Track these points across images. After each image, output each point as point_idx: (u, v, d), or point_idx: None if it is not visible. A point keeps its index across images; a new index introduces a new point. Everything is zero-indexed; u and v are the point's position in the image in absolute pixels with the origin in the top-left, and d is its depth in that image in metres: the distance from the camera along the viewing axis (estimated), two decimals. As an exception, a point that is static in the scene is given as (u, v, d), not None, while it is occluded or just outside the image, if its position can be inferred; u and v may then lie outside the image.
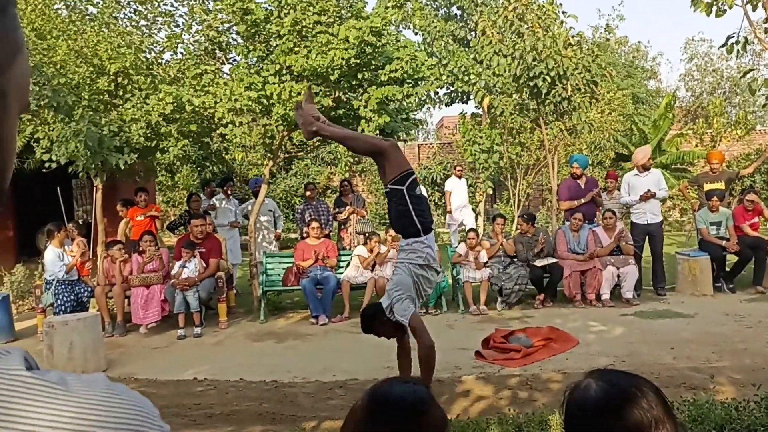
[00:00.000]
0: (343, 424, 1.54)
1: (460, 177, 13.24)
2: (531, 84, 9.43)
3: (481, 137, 12.30)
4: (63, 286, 8.12)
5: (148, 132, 8.47)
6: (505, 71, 9.57)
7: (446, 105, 13.70)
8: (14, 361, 0.59)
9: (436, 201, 20.40)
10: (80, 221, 10.08)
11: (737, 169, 13.94)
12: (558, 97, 9.33)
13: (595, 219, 9.43)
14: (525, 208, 14.81)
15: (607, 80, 10.04)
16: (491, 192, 16.83)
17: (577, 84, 9.25)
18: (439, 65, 9.75)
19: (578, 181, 9.49)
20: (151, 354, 7.11)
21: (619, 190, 9.80)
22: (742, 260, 9.30)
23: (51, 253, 8.29)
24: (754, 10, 6.36)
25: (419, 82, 9.16)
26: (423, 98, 13.27)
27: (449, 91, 12.94)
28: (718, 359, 5.91)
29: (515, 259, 9.00)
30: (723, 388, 4.93)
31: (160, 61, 9.42)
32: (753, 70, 11.32)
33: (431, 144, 22.31)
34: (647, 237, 9.27)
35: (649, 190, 9.08)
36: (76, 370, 6.21)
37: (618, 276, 8.81)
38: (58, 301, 8.01)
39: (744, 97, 25.89)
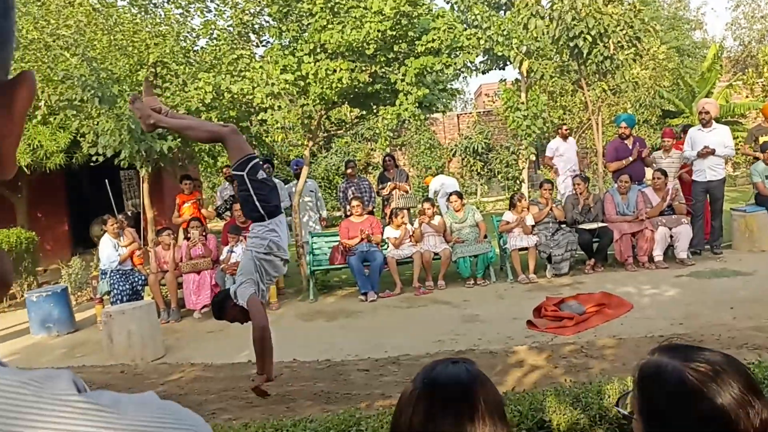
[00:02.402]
0: (396, 409, 1.52)
1: (566, 138, 11.11)
2: (571, 45, 9.17)
3: (522, 103, 12.06)
4: (118, 276, 8.32)
5: (188, 120, 8.55)
6: (543, 33, 9.32)
7: (482, 73, 13.41)
8: (64, 385, 0.57)
9: (479, 171, 20.20)
10: (128, 213, 10.28)
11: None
12: (600, 57, 9.06)
13: (644, 179, 9.19)
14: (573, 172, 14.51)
15: (650, 35, 9.68)
16: (534, 158, 16.56)
17: (619, 41, 8.95)
18: (479, 30, 9.54)
19: (625, 142, 9.25)
20: (206, 338, 7.25)
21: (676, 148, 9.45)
22: (801, 213, 8.95)
23: (105, 244, 8.50)
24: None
25: (457, 52, 9.00)
26: (460, 69, 13.09)
27: (485, 58, 12.67)
28: (781, 317, 5.73)
29: (563, 225, 8.85)
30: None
31: (195, 48, 9.47)
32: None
33: (470, 113, 22.02)
34: (708, 194, 8.97)
35: (706, 147, 8.74)
36: (135, 357, 6.38)
37: (671, 236, 8.59)
38: (114, 291, 8.22)
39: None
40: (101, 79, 8.20)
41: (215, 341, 7.06)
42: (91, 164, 9.07)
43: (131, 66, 8.74)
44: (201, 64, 9.26)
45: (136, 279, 8.44)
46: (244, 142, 4.82)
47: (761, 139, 9.47)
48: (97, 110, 8.34)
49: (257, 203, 4.59)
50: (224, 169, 11.71)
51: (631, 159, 9.09)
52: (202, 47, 9.51)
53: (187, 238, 8.59)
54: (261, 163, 4.78)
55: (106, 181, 9.91)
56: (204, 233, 8.72)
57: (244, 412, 4.39)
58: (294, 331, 7.25)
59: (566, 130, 11.28)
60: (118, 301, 8.02)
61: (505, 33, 9.68)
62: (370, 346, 6.15)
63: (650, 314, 6.36)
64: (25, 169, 10.09)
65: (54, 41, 8.34)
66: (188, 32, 9.37)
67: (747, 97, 17.91)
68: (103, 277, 8.40)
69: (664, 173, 8.80)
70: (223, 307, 4.85)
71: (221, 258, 8.38)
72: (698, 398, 1.27)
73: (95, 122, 8.48)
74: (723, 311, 6.13)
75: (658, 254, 8.52)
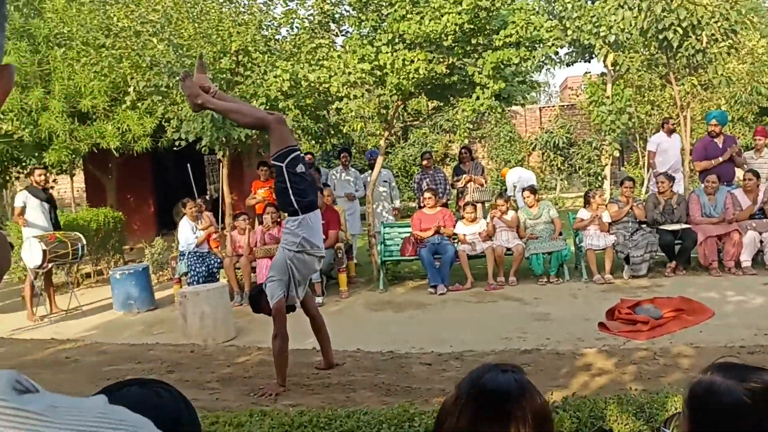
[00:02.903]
0: (440, 414, 1.48)
1: (670, 133, 10.15)
2: (660, 37, 8.77)
3: (607, 97, 11.66)
4: (195, 258, 8.59)
5: (267, 107, 8.71)
6: (630, 25, 8.95)
7: (567, 65, 13.08)
8: None
9: (559, 166, 19.72)
10: (207, 197, 10.60)
11: None
12: (691, 50, 8.62)
13: (734, 180, 8.72)
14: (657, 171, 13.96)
15: (748, 28, 9.14)
16: (618, 154, 16.01)
17: (713, 34, 8.50)
18: (566, 20, 9.26)
19: (715, 140, 8.79)
20: (276, 323, 7.37)
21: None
22: None
23: (184, 226, 8.80)
24: None
25: (537, 45, 8.78)
26: (542, 60, 12.78)
27: (571, 50, 12.31)
28: None
29: (643, 225, 8.52)
30: None
31: (277, 37, 9.63)
32: None
33: (553, 107, 21.50)
34: None
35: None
36: (207, 338, 6.57)
37: (761, 241, 8.11)
38: (191, 272, 8.50)
39: None
40: (186, 66, 8.46)
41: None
42: (174, 149, 9.38)
43: (215, 54, 8.97)
44: (281, 52, 9.41)
45: (212, 261, 8.68)
46: (288, 132, 4.83)
47: None
48: (182, 96, 8.61)
49: (292, 197, 4.60)
50: (306, 156, 11.90)
51: (721, 159, 8.64)
52: (282, 36, 9.66)
53: (262, 223, 8.77)
54: (302, 156, 4.79)
55: (188, 165, 10.25)
56: (278, 219, 8.88)
57: (304, 398, 4.44)
58: (361, 321, 7.29)
59: (672, 124, 10.38)
60: (195, 282, 8.28)
61: (594, 21, 9.34)
62: (436, 340, 6.11)
63: (732, 323, 6.03)
64: (114, 152, 10.55)
65: (142, 27, 8.65)
66: (270, 21, 9.52)
67: None
68: (182, 258, 8.70)
69: (756, 174, 8.32)
70: (257, 301, 4.93)
71: (294, 244, 8.51)
72: (752, 419, 1.18)
73: (179, 108, 8.77)
74: (814, 324, 5.74)
75: (745, 260, 8.07)
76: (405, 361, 5.33)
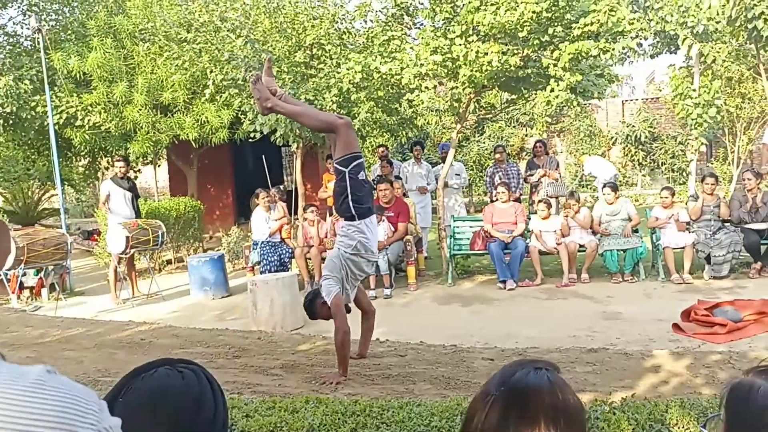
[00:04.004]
0: (469, 411, 1.46)
1: None
2: (750, 27, 8.31)
3: (694, 90, 11.16)
4: (267, 247, 8.80)
5: (340, 99, 8.81)
6: (717, 14, 8.52)
7: (651, 57, 12.56)
8: None
9: (640, 161, 19.06)
10: (281, 187, 10.82)
11: None
12: (783, 40, 8.14)
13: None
14: (745, 166, 13.30)
15: None
16: (704, 149, 15.32)
17: (808, 22, 7.99)
18: (650, 10, 8.91)
19: (808, 135, 8.29)
20: (344, 313, 7.47)
21: None
22: None
23: (257, 216, 9.04)
24: None
25: (618, 37, 8.48)
26: (625, 53, 12.32)
27: (656, 41, 11.86)
28: None
29: (726, 224, 8.12)
30: None
31: (350, 30, 9.72)
32: None
33: (636, 100, 20.77)
34: None
35: None
36: (276, 325, 6.73)
37: None
38: (264, 261, 8.72)
39: None
40: (262, 60, 8.65)
41: (351, 317, 7.21)
42: (250, 140, 9.62)
43: (290, 48, 9.15)
44: (354, 45, 9.49)
45: (284, 251, 8.87)
46: (354, 138, 4.84)
47: None
48: (258, 90, 8.83)
49: (350, 202, 4.64)
50: (378, 149, 11.97)
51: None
52: (356, 29, 9.73)
53: (332, 215, 8.89)
54: (363, 163, 4.81)
55: (263, 156, 10.50)
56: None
57: (364, 388, 4.48)
58: (427, 314, 7.29)
59: None
60: (267, 271, 8.50)
61: (682, 10, 8.94)
62: (501, 335, 6.03)
63: (820, 329, 5.68)
64: (193, 143, 10.93)
65: (222, 23, 8.91)
66: (344, 15, 9.62)
67: None
68: (255, 247, 8.94)
69: None
70: (313, 306, 4.97)
71: (364, 236, 8.59)
72: None
73: (255, 101, 8.98)
74: None
75: (839, 262, 7.59)
76: (467, 356, 5.29)
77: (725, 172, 15.17)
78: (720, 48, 9.70)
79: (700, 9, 8.63)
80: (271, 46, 9.17)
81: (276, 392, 4.40)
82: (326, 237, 8.67)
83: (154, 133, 10.57)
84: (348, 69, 8.33)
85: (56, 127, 10.13)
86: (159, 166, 13.68)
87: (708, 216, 8.16)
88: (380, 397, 3.93)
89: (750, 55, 9.76)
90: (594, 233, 8.47)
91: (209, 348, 5.89)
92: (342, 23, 9.71)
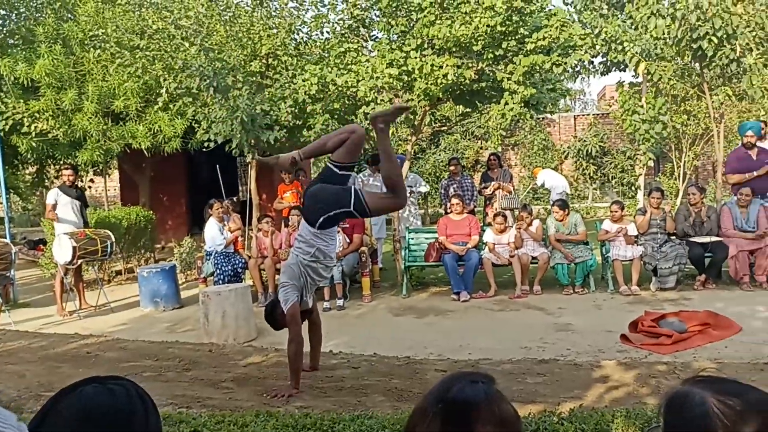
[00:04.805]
0: (408, 424, 1.47)
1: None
2: (694, 46, 8.60)
3: (641, 106, 11.47)
4: (221, 258, 8.69)
5: (295, 110, 8.79)
6: (664, 34, 8.79)
7: (602, 74, 12.89)
8: None
9: (591, 175, 19.48)
10: (234, 198, 10.72)
11: None
12: (725, 59, 8.44)
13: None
14: (690, 182, 13.71)
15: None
16: (652, 164, 15.74)
17: (747, 44, 8.31)
18: (591, 35, 9.16)
19: (750, 152, 8.58)
20: (297, 324, 7.41)
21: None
22: None
23: (211, 227, 8.91)
24: None
25: (569, 51, 8.69)
26: (576, 68, 12.61)
27: (605, 59, 12.16)
28: None
29: (672, 237, 8.36)
30: None
31: (307, 41, 9.71)
32: None
33: (587, 115, 21.26)
34: None
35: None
36: (228, 337, 6.64)
37: (795, 257, 7.90)
38: (218, 271, 8.59)
39: None
40: (216, 69, 8.58)
41: (306, 328, 7.20)
42: (203, 149, 9.51)
43: (245, 57, 9.09)
44: (310, 56, 9.49)
45: (238, 262, 8.77)
46: (359, 150, 4.84)
47: None
48: (212, 99, 8.74)
49: (320, 209, 4.58)
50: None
51: (756, 174, 8.42)
52: (312, 39, 9.73)
53: (287, 226, 8.83)
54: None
55: (217, 166, 10.39)
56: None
57: (316, 400, 4.45)
58: (382, 325, 7.28)
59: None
60: (220, 282, 8.38)
61: (615, 38, 9.23)
62: (454, 347, 6.07)
63: (760, 339, 5.86)
64: (145, 152, 10.75)
65: (176, 31, 8.80)
66: (300, 25, 9.61)
67: None
68: (208, 258, 8.81)
69: (792, 188, 8.10)
70: (274, 316, 4.91)
71: (318, 247, 8.55)
72: (723, 431, 1.16)
73: (209, 110, 8.89)
74: None
75: (779, 275, 7.86)
76: (420, 367, 5.31)
77: (672, 187, 15.60)
78: (666, 66, 10.00)
79: (647, 29, 8.90)
80: (227, 54, 9.10)
81: (226, 406, 4.33)
82: (281, 248, 8.60)
83: (105, 141, 10.36)
84: (304, 80, 8.32)
85: (1, 134, 9.84)
86: (110, 175, 13.39)
87: (655, 229, 8.38)
88: (332, 410, 3.91)
89: (694, 74, 10.09)
90: (546, 246, 8.61)
91: (158, 361, 5.77)
92: (298, 34, 9.70)
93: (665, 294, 7.92)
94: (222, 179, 10.40)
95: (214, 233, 8.88)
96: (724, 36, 8.27)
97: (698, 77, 9.59)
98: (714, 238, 8.12)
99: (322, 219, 4.57)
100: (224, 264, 8.64)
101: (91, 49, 9.99)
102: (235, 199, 10.64)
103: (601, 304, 7.73)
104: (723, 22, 8.22)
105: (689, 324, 6.17)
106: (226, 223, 8.95)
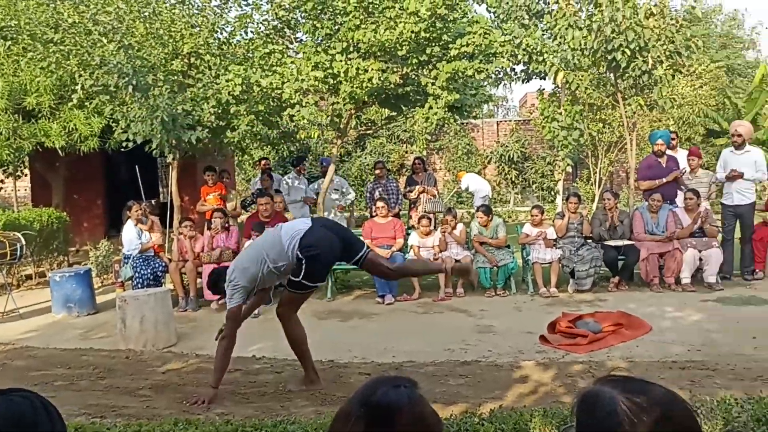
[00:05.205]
0: (331, 428, 1.47)
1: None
2: (609, 57, 8.96)
3: (559, 114, 11.86)
4: (140, 261, 8.42)
5: (219, 111, 8.62)
6: (581, 45, 9.12)
7: (523, 82, 13.26)
8: None
9: (513, 179, 19.99)
10: (154, 201, 10.43)
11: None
12: (638, 71, 8.83)
13: (677, 199, 8.93)
14: (605, 187, 14.28)
15: (693, 51, 9.40)
16: (570, 170, 16.30)
17: (658, 56, 8.72)
18: (512, 44, 9.41)
19: (659, 160, 9.00)
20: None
21: (703, 168, 9.22)
22: (840, 244, 8.61)
23: (128, 229, 8.63)
24: None
25: (491, 58, 8.89)
26: (499, 74, 12.92)
27: (526, 67, 12.52)
28: (804, 351, 5.48)
29: (589, 241, 8.67)
30: (806, 383, 4.56)
31: (231, 41, 9.53)
32: None
33: (510, 121, 21.82)
34: (737, 219, 8.70)
35: (733, 170, 8.52)
36: (146, 343, 6.43)
37: (700, 259, 8.33)
38: (137, 275, 8.33)
39: None
40: (136, 67, 8.31)
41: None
42: (122, 149, 9.19)
43: (166, 55, 8.85)
44: (234, 56, 9.33)
45: (158, 265, 8.53)
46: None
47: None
48: (131, 97, 8.45)
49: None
50: (261, 162, 11.77)
51: (665, 180, 8.84)
52: (236, 40, 9.57)
53: (210, 228, 8.66)
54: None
55: (136, 167, 10.07)
56: (227, 225, 8.77)
57: (237, 407, 4.37)
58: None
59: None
60: (139, 286, 8.13)
61: (533, 50, 9.53)
62: (378, 350, 6.09)
63: (669, 338, 6.16)
64: (60, 151, 10.30)
65: (94, 26, 8.48)
66: (224, 24, 9.43)
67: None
68: (126, 261, 8.53)
69: (697, 194, 8.55)
70: (218, 283, 4.91)
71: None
72: (630, 427, 1.22)
73: (128, 109, 8.60)
74: (745, 341, 5.89)
75: (685, 277, 8.27)
76: (344, 371, 5.30)
77: (588, 192, 16.19)
78: (583, 76, 10.38)
79: (565, 40, 9.21)
80: (147, 52, 8.83)
81: (144, 414, 4.20)
82: (203, 251, 8.42)
83: (16, 139, 9.86)
84: (228, 81, 8.18)
85: None
86: (22, 175, 12.73)
87: (572, 233, 8.67)
88: (254, 416, 3.85)
89: (609, 84, 10.51)
90: (470, 249, 8.76)
91: (70, 369, 5.54)
92: (221, 33, 9.51)
93: (582, 295, 8.20)
94: (141, 180, 10.09)
95: (132, 236, 8.61)
96: (637, 48, 8.65)
97: (613, 87, 9.99)
98: (627, 242, 8.47)
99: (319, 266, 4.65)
100: (143, 268, 8.38)
101: (2, 40, 9.49)
102: (154, 201, 10.32)
103: (522, 306, 7.93)
104: (636, 35, 8.59)
105: (604, 324, 6.41)
106: (142, 224, 8.67)
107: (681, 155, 9.47)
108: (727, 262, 8.55)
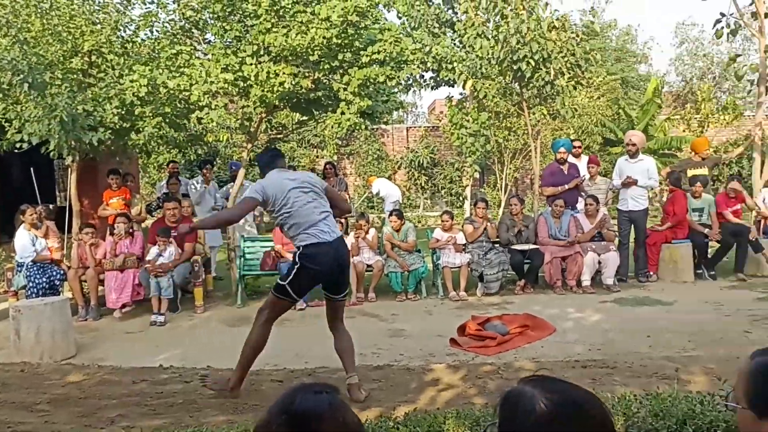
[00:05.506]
0: None
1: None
2: (515, 67, 9.28)
3: (467, 121, 12.17)
4: (35, 269, 7.98)
5: (122, 112, 8.30)
6: (488, 54, 9.40)
7: (432, 89, 13.55)
8: None
9: (422, 185, 20.31)
10: (50, 205, 9.91)
11: (722, 154, 13.91)
12: (541, 81, 9.19)
13: (578, 205, 9.34)
14: (511, 193, 14.74)
15: (591, 64, 9.88)
16: (478, 176, 16.74)
17: (560, 68, 9.10)
18: (422, 52, 9.58)
19: (562, 167, 9.39)
20: (123, 339, 7.00)
21: (601, 175, 9.70)
22: (723, 247, 9.25)
23: (21, 235, 8.15)
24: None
25: (402, 65, 9.00)
26: (409, 81, 13.12)
27: (435, 75, 12.77)
28: (693, 348, 5.85)
29: (496, 245, 8.92)
30: (696, 378, 4.87)
31: (134, 40, 9.19)
32: (740, 56, 11.21)
33: (419, 127, 22.16)
34: (632, 224, 9.20)
35: (628, 177, 9.02)
36: (43, 355, 6.10)
37: (599, 262, 8.74)
38: (31, 284, 7.88)
39: (733, 83, 25.77)
40: (32, 64, 7.88)
41: (131, 342, 6.82)
42: (15, 150, 8.68)
43: (65, 52, 8.44)
44: (139, 56, 9.01)
45: (54, 273, 8.10)
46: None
47: (690, 172, 9.77)
48: (26, 96, 8.00)
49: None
50: (169, 165, 11.39)
51: (567, 187, 9.22)
52: (142, 39, 9.23)
53: (113, 234, 8.31)
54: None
55: (31, 169, 9.54)
56: (131, 230, 8.45)
57: (144, 419, 4.21)
58: (216, 337, 7.06)
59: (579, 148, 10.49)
60: (34, 295, 7.69)
61: (442, 58, 9.75)
62: (290, 356, 6.03)
63: (571, 338, 6.42)
64: (-55, 152, 9.61)
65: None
66: (127, 22, 9.08)
67: (684, 131, 18.51)
68: (19, 269, 8.05)
69: (596, 200, 8.97)
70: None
71: (148, 258, 8.11)
72: (548, 424, 1.27)
73: (22, 108, 8.13)
74: (640, 339, 6.22)
75: (586, 279, 8.66)
76: (255, 378, 5.21)
77: (495, 197, 16.66)
78: (490, 84, 10.70)
79: (474, 49, 9.47)
80: (44, 49, 8.38)
81: (42, 430, 3.98)
82: (105, 258, 8.07)
83: None
84: (132, 81, 7.89)
85: None
86: None
87: (481, 237, 8.89)
88: (162, 428, 3.72)
89: (515, 93, 10.88)
90: (381, 254, 8.82)
91: (-41, 385, 5.18)
92: (125, 31, 9.16)
93: (490, 299, 8.42)
94: (37, 183, 9.56)
95: (26, 242, 8.13)
96: (541, 59, 9.00)
97: (518, 96, 10.35)
98: (532, 246, 8.78)
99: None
100: (38, 276, 7.95)
101: None
102: (51, 206, 9.80)
103: (432, 309, 8.06)
104: (539, 47, 8.94)
105: (511, 326, 6.61)
106: (36, 230, 8.21)
107: (583, 163, 9.94)
108: (623, 265, 9.03)
